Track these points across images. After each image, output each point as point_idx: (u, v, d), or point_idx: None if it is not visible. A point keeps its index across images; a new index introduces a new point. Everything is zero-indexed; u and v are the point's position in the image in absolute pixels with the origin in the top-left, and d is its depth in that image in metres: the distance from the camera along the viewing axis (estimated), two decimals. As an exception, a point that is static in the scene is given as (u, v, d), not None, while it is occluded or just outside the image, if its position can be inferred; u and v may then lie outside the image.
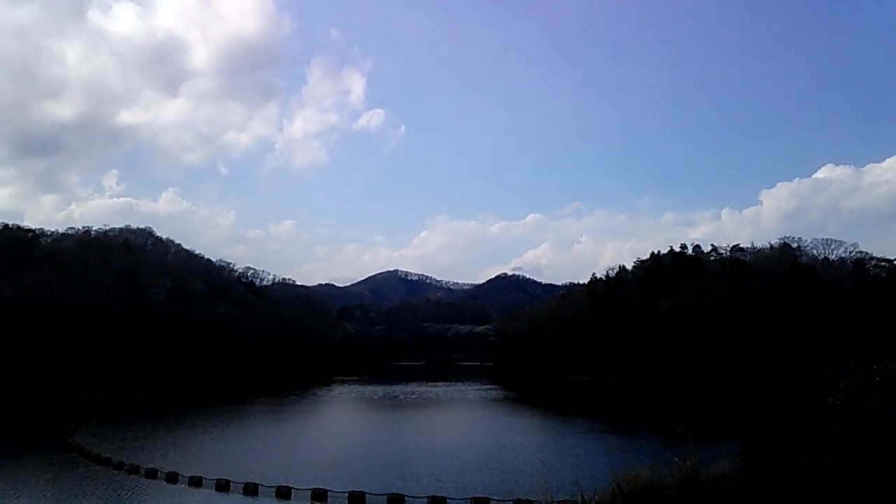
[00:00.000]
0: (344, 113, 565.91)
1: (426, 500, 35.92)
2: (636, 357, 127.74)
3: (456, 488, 38.56)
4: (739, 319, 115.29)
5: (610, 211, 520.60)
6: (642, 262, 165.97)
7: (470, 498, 35.42)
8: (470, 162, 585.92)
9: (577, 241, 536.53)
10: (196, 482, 41.67)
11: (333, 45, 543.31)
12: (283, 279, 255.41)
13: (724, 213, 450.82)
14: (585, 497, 23.43)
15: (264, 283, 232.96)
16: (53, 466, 48.74)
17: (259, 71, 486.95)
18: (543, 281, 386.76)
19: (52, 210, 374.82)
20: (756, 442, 20.41)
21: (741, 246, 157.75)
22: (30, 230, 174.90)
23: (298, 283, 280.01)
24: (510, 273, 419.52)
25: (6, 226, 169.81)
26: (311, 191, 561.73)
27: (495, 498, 34.77)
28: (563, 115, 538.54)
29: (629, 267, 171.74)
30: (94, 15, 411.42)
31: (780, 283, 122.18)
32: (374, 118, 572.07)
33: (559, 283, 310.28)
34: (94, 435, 63.02)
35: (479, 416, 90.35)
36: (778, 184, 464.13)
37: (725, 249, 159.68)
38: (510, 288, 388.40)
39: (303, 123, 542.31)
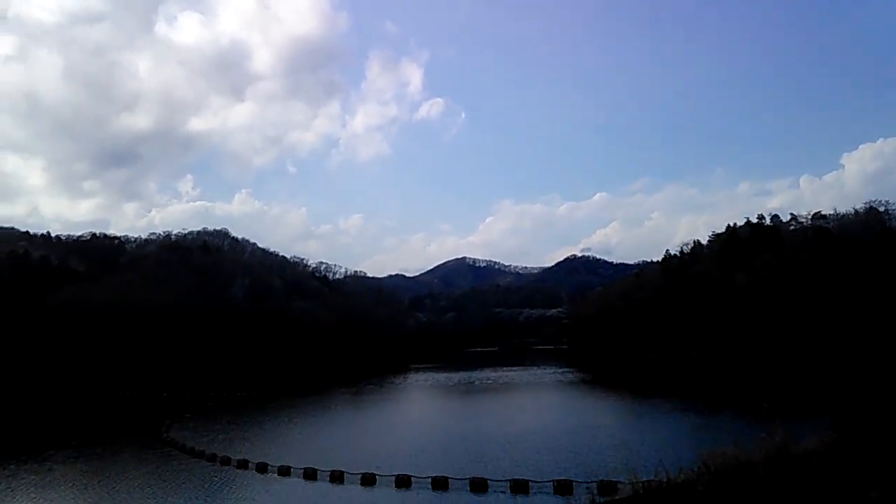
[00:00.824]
0: (403, 104, 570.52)
1: (508, 483, 36.07)
2: (715, 333, 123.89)
3: (537, 471, 38.51)
4: (824, 289, 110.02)
5: (681, 185, 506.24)
6: (717, 235, 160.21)
7: (552, 481, 35.32)
8: (532, 144, 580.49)
9: (648, 217, 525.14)
10: (285, 471, 43.22)
11: (389, 37, 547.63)
12: (355, 272, 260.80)
13: (803, 180, 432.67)
14: (671, 476, 23.06)
15: (337, 276, 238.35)
16: (151, 460, 51.63)
17: (320, 69, 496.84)
18: (615, 261, 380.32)
19: (134, 217, 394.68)
20: (848, 414, 19.59)
21: (823, 213, 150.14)
22: (115, 237, 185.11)
23: (369, 275, 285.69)
24: (579, 254, 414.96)
25: (94, 235, 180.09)
26: (377, 184, 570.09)
27: (578, 480, 34.60)
28: (624, 90, 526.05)
29: (704, 242, 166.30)
30: (161, 27, 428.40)
31: (868, 249, 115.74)
32: (433, 108, 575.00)
33: (631, 262, 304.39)
34: (187, 429, 66.27)
35: (555, 399, 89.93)
36: (861, 146, 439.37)
37: (806, 218, 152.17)
38: (580, 269, 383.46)
39: (364, 118, 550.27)
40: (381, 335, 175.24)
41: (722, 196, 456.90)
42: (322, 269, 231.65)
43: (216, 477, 44.26)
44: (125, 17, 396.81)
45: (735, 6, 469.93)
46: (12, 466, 48.81)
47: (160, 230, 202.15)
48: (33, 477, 45.79)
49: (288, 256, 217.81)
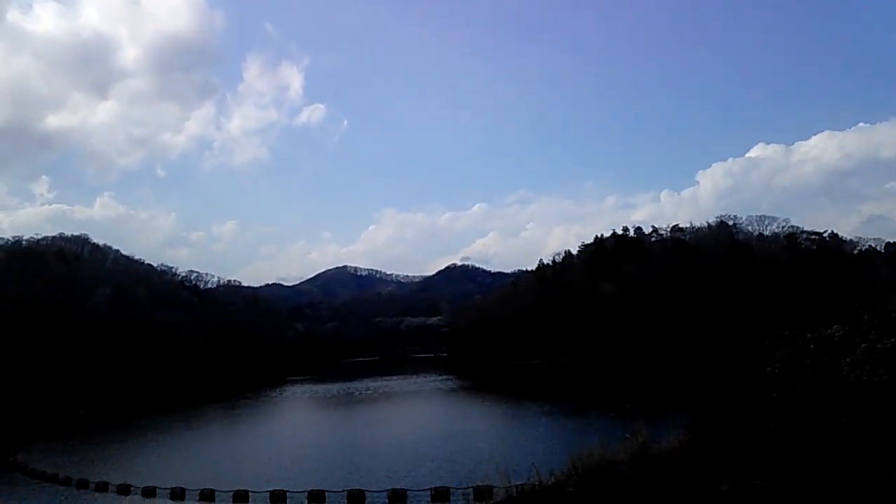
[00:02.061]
0: (283, 109, 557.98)
1: (386, 493, 35.96)
2: (584, 339, 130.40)
3: (415, 480, 38.70)
4: (681, 297, 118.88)
5: (554, 197, 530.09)
6: (586, 245, 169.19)
7: (430, 489, 35.60)
8: (415, 154, 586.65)
9: (524, 228, 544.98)
10: (150, 492, 40.66)
11: (269, 40, 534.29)
12: (229, 281, 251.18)
13: (664, 194, 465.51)
14: (542, 479, 23.96)
15: (209, 286, 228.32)
16: (-3, 487, 46.85)
17: (193, 69, 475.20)
18: (493, 269, 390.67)
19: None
20: (702, 413, 21.22)
21: (681, 226, 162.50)
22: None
23: (245, 284, 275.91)
24: (460, 263, 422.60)
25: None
26: (254, 189, 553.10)
27: (455, 487, 35.06)
28: (504, 104, 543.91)
29: (574, 251, 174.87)
30: (13, 15, 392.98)
31: (719, 260, 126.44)
32: (314, 113, 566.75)
33: (508, 270, 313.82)
34: (38, 452, 60.72)
35: (434, 407, 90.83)
36: (713, 164, 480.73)
37: (665, 230, 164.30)
38: (460, 278, 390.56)
39: (241, 121, 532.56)
40: (258, 347, 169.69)
41: (591, 208, 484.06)
42: (193, 278, 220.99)
43: (73, 502, 40.91)
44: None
45: (604, 24, 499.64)
46: None
47: (9, 235, 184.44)
48: None
49: (155, 265, 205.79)
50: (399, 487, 36.51)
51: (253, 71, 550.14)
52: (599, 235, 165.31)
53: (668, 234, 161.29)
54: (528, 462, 30.43)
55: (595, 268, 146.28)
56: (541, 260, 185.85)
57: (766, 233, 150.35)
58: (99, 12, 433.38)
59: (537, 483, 22.94)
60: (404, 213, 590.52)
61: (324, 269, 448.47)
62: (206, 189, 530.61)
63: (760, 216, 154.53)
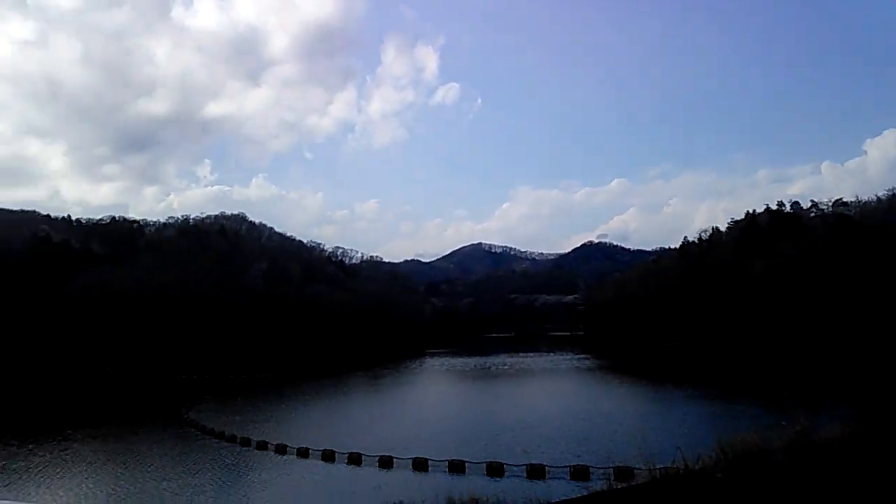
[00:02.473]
0: (420, 89, 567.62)
1: (525, 468, 36.32)
2: (732, 321, 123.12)
3: (553, 457, 38.75)
4: (844, 278, 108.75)
5: (700, 171, 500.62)
6: (736, 222, 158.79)
7: (569, 466, 35.54)
8: (550, 129, 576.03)
9: (666, 204, 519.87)
10: (303, 453, 43.81)
11: (406, 22, 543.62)
12: (371, 257, 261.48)
13: (825, 166, 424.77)
14: (688, 463, 23.12)
15: (353, 261, 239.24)
16: (172, 440, 52.61)
17: (336, 54, 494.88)
18: (632, 247, 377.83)
19: (153, 201, 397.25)
20: (870, 404, 19.52)
21: (844, 200, 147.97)
22: (134, 221, 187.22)
23: (385, 259, 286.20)
24: (596, 241, 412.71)
25: (113, 218, 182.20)
26: (393, 169, 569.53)
27: (594, 465, 34.72)
28: (645, 75, 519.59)
29: (723, 229, 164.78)
30: (178, 12, 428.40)
31: (890, 236, 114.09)
32: (449, 92, 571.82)
33: (648, 248, 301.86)
34: (207, 411, 67.26)
35: (571, 386, 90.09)
36: (885, 131, 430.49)
37: (827, 205, 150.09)
38: (597, 256, 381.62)
39: (380, 103, 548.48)
40: (397, 320, 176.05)
41: (741, 182, 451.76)
42: (338, 254, 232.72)
43: (236, 458, 45.01)
44: (142, 3, 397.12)
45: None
46: (31, 445, 49.75)
47: (178, 214, 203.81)
48: (52, 456, 46.66)
49: (305, 241, 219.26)
50: (537, 462, 36.77)
51: (390, 53, 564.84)
52: (751, 211, 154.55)
53: (830, 210, 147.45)
54: (671, 445, 29.47)
55: (746, 246, 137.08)
56: (685, 237, 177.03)
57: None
58: (252, 4, 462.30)
59: (683, 467, 22.18)
60: (539, 189, 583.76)
61: (459, 246, 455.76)
62: (349, 170, 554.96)
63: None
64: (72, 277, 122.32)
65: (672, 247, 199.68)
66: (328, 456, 42.43)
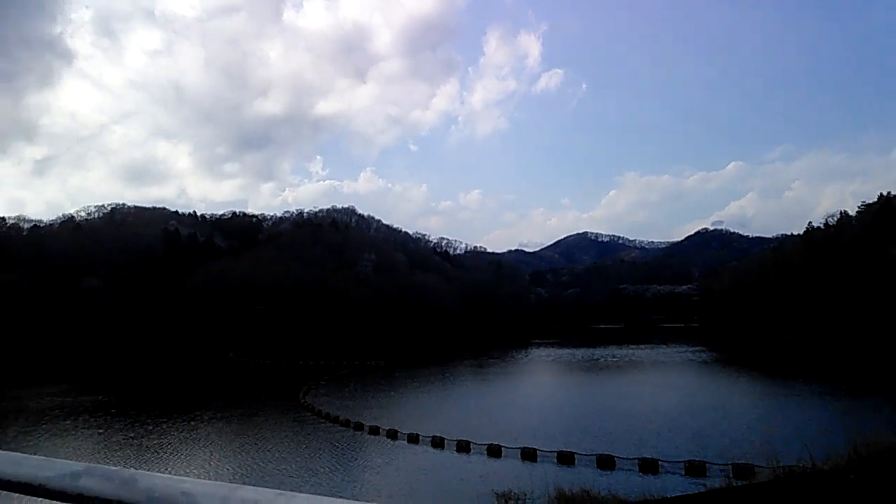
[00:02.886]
0: (522, 77, 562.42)
1: (637, 461, 35.44)
2: (864, 313, 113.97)
3: (666, 451, 37.52)
4: None
5: (825, 151, 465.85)
6: (868, 205, 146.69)
7: (684, 461, 34.31)
8: (659, 112, 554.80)
9: (788, 187, 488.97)
10: (413, 439, 44.82)
11: (507, 10, 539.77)
12: (475, 247, 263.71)
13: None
14: (816, 462, 21.64)
15: (457, 251, 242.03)
16: (289, 422, 55.37)
17: (438, 48, 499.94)
18: (750, 234, 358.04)
19: (269, 196, 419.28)
20: None
21: None
22: (253, 216, 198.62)
23: (489, 250, 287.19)
24: (711, 228, 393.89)
25: (234, 213, 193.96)
26: (496, 159, 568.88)
27: (711, 462, 33.37)
28: (758, 48, 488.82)
29: (852, 213, 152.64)
30: (289, 15, 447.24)
31: None
32: (552, 79, 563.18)
33: (769, 235, 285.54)
34: (322, 395, 70.26)
35: (685, 379, 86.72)
36: None
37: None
38: (712, 244, 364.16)
39: (482, 94, 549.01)
40: (502, 309, 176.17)
41: (873, 163, 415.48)
42: (443, 244, 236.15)
43: (349, 442, 46.72)
44: (257, 7, 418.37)
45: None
46: (164, 424, 53.88)
47: (293, 208, 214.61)
48: (182, 434, 50.40)
49: (410, 232, 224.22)
50: (650, 456, 35.74)
51: (492, 43, 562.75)
52: (885, 193, 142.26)
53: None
54: (794, 444, 27.86)
55: (879, 231, 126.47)
56: (809, 223, 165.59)
57: None
58: (358, 2, 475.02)
59: (810, 466, 20.82)
60: (648, 175, 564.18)
61: (564, 236, 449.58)
62: (452, 161, 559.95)
63: None
64: (197, 268, 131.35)
65: (795, 233, 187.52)
66: (437, 442, 43.17)
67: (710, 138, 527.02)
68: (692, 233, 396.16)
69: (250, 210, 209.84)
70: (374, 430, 48.39)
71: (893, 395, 52.90)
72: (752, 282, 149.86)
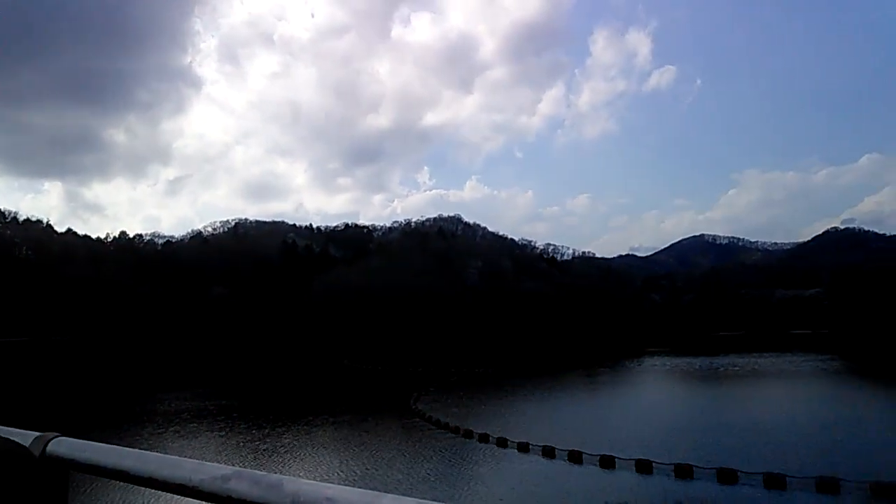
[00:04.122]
0: (632, 77, 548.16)
1: (761, 476, 33.28)
2: None
3: (794, 466, 34.95)
4: None
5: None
6: None
7: (815, 477, 31.85)
8: (781, 105, 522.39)
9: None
10: (524, 448, 44.38)
11: (615, 9, 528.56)
12: (583, 252, 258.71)
13: None
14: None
15: (564, 257, 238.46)
16: (401, 428, 56.44)
17: (544, 52, 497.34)
18: (887, 233, 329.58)
19: (379, 207, 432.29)
20: None
21: None
22: (364, 227, 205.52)
23: (598, 255, 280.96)
24: (842, 227, 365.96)
25: (347, 225, 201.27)
26: (604, 162, 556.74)
27: (845, 479, 30.79)
28: (889, 28, 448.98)
29: None
30: (396, 31, 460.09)
31: None
32: (664, 76, 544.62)
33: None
34: (432, 402, 71.09)
35: (814, 389, 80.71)
36: None
37: None
38: (844, 244, 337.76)
39: (590, 96, 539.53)
40: (614, 317, 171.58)
41: None
42: (550, 250, 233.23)
43: (461, 448, 46.93)
44: (366, 26, 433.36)
45: None
46: (281, 428, 56.38)
47: (402, 218, 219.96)
48: (296, 438, 52.52)
49: (516, 239, 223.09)
50: (776, 471, 33.45)
51: (600, 43, 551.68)
52: None
53: None
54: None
55: None
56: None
57: None
58: (462, 14, 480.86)
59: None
60: (771, 172, 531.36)
61: (679, 239, 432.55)
62: (558, 165, 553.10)
63: None
64: (314, 278, 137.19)
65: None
66: (548, 452, 42.50)
67: (841, 129, 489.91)
68: (820, 232, 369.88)
69: (361, 221, 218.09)
70: (484, 438, 48.33)
71: None
72: (890, 285, 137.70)
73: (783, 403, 66.99)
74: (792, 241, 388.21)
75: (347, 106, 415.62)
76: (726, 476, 34.08)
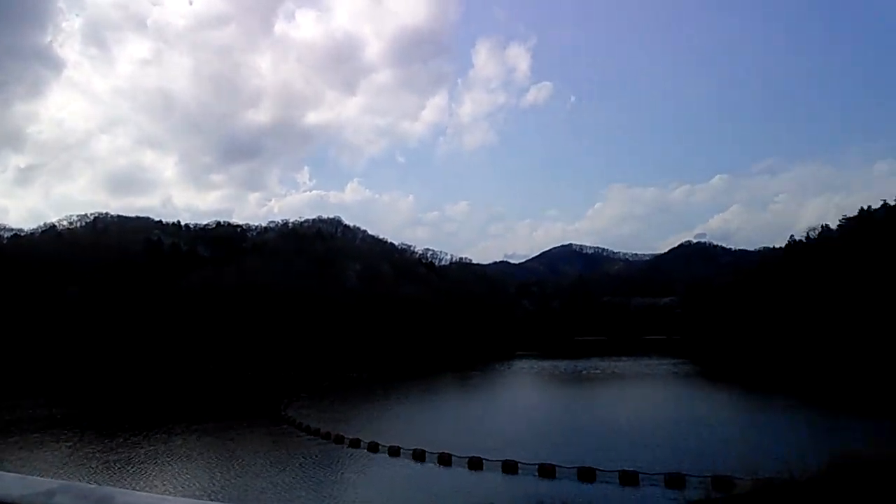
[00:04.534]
0: (511, 90, 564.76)
1: (617, 474, 35.33)
2: (845, 327, 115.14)
3: (647, 463, 37.46)
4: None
5: (811, 165, 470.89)
6: (849, 219, 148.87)
7: (663, 473, 34.26)
8: (647, 126, 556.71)
9: (773, 200, 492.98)
10: (394, 452, 44.42)
11: (498, 23, 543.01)
12: (461, 258, 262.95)
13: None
14: (794, 475, 21.67)
15: (443, 263, 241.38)
16: (270, 435, 54.66)
17: (429, 59, 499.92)
18: (733, 247, 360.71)
19: (255, 206, 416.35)
20: None
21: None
22: (238, 226, 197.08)
23: (475, 261, 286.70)
24: (695, 240, 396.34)
25: (219, 223, 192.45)
26: (483, 171, 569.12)
27: (690, 474, 33.36)
28: (747, 61, 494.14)
29: (833, 226, 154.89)
30: (280, 26, 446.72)
31: None
32: (541, 92, 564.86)
33: (752, 248, 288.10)
34: (304, 408, 69.50)
35: (667, 392, 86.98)
36: None
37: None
38: (695, 257, 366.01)
39: (472, 106, 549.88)
40: (487, 321, 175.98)
41: (857, 176, 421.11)
42: (429, 255, 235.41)
43: (331, 454, 46.22)
44: (248, 18, 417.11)
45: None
46: (136, 437, 52.86)
47: (279, 218, 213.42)
48: (154, 448, 49.41)
49: (396, 243, 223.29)
50: (630, 469, 35.67)
51: (483, 55, 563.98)
52: (865, 207, 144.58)
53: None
54: (775, 455, 27.90)
55: (860, 245, 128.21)
56: (791, 236, 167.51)
57: None
58: (348, 14, 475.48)
59: (788, 478, 20.87)
60: (634, 188, 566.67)
61: (549, 247, 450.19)
62: (440, 172, 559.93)
63: None
64: (180, 278, 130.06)
65: (777, 246, 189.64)
66: (419, 455, 42.81)
67: (697, 151, 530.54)
68: (676, 245, 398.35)
69: (235, 220, 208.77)
70: (355, 443, 47.92)
71: (871, 409, 53.25)
72: (734, 295, 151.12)
73: (639, 404, 71.65)
74: (651, 252, 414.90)
75: (225, 99, 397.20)
76: (586, 474, 35.87)
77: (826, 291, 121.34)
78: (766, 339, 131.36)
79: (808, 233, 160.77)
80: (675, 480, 33.17)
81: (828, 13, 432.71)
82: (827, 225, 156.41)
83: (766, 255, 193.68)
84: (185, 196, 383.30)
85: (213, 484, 38.00)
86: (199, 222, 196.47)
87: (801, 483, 19.32)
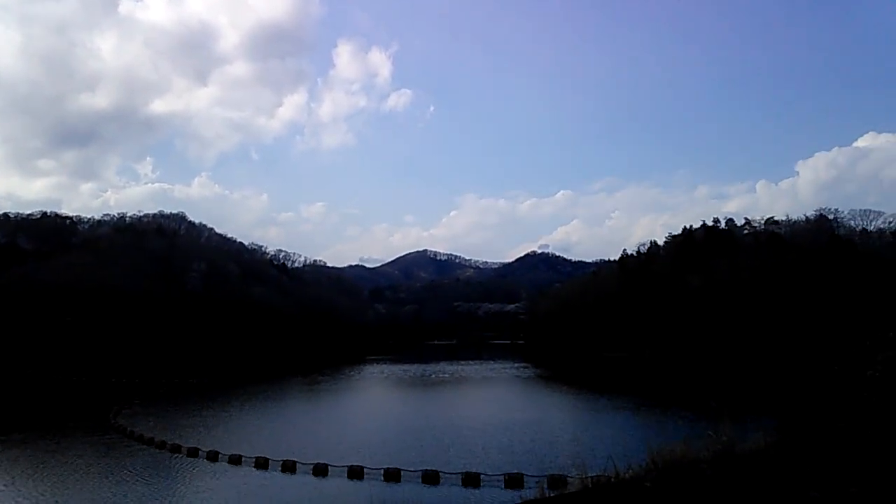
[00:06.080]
0: (372, 94, 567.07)
1: (460, 476, 36.30)
2: (668, 333, 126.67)
3: (489, 465, 38.92)
4: (774, 294, 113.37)
5: (643, 185, 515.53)
6: (674, 237, 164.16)
7: (504, 474, 35.68)
8: (499, 139, 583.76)
9: (609, 216, 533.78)
10: (236, 460, 42.61)
11: (360, 27, 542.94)
12: (315, 261, 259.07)
13: (760, 185, 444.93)
14: (619, 472, 23.38)
15: (296, 265, 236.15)
16: (99, 447, 50.29)
17: (288, 57, 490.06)
18: (573, 258, 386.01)
19: (88, 198, 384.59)
20: (792, 415, 20.16)
21: (776, 219, 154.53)
22: (67, 217, 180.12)
23: (329, 264, 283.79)
24: (539, 251, 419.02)
25: (44, 214, 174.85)
26: (341, 173, 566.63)
27: (529, 474, 34.99)
28: (594, 89, 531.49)
29: (661, 242, 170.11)
30: (126, 6, 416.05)
31: (817, 256, 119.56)
32: (401, 98, 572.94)
33: (589, 259, 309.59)
34: (136, 416, 64.76)
35: (510, 394, 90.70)
36: (816, 153, 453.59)
37: (759, 223, 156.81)
38: (539, 266, 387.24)
39: (331, 107, 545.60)
40: (340, 325, 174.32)
41: (682, 198, 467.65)
42: (281, 256, 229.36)
43: (166, 465, 43.40)
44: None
45: (700, 13, 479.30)
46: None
47: (115, 212, 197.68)
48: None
49: (246, 243, 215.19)
50: (473, 471, 36.81)
51: (344, 57, 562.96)
52: (688, 227, 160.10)
53: (763, 227, 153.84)
54: (605, 454, 29.91)
55: (682, 260, 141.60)
56: (624, 250, 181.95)
57: (871, 228, 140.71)
58: (203, 1, 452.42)
59: (614, 476, 22.45)
60: (486, 198, 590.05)
61: (405, 253, 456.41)
62: (296, 171, 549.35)
63: (865, 210, 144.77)
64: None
65: (612, 259, 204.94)
66: (261, 463, 41.38)
67: (544, 166, 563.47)
68: (523, 254, 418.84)
69: (64, 211, 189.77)
70: (193, 452, 45.37)
71: (688, 408, 58.78)
72: (573, 303, 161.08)
73: (483, 407, 74.05)
74: (499, 261, 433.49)
75: (58, 80, 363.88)
76: (430, 478, 36.50)
77: (654, 301, 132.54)
78: (601, 344, 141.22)
79: (638, 248, 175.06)
80: (514, 481, 34.63)
81: (666, 44, 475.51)
82: (655, 241, 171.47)
83: (602, 267, 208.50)
84: (6, 182, 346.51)
85: (21, 502, 34.21)
86: (21, 212, 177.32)
87: (625, 479, 20.86)
